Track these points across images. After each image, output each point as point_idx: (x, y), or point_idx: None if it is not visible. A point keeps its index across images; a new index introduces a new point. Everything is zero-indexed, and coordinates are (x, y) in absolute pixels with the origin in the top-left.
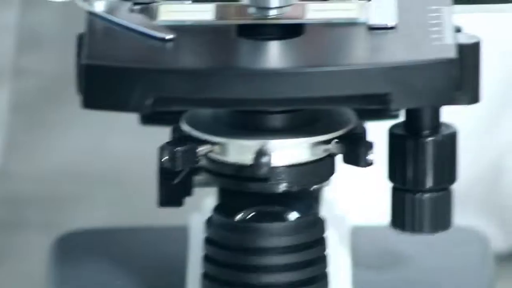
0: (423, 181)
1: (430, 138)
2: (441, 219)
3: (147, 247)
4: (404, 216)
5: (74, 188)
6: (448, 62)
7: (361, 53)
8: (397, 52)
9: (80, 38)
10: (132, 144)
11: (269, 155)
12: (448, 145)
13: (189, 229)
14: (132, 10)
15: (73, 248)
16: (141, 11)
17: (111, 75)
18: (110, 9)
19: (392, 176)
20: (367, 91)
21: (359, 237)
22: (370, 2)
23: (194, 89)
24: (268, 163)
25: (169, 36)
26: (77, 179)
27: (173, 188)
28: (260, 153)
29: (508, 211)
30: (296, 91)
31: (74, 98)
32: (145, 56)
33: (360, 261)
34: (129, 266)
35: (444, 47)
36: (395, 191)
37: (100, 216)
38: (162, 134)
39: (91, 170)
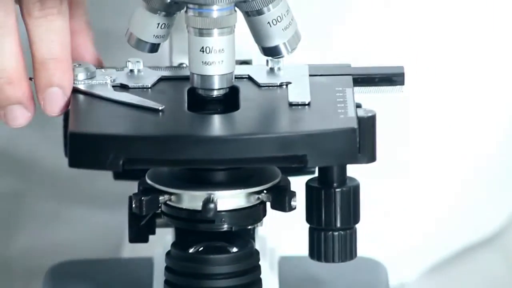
0: (333, 222)
1: (338, 189)
2: (348, 251)
3: (124, 273)
4: (319, 248)
5: None
6: (351, 131)
7: (284, 124)
8: (311, 123)
9: (66, 113)
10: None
11: (214, 202)
12: (352, 194)
13: (154, 260)
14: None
15: (63, 276)
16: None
17: (90, 141)
18: (91, 85)
19: (310, 218)
20: (289, 153)
21: (285, 265)
22: (290, 84)
23: (156, 152)
24: (214, 209)
25: (161, 107)
26: None
27: (141, 229)
28: (207, 201)
29: None
30: (235, 153)
31: None
32: (117, 125)
33: (286, 284)
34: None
35: (347, 119)
36: (312, 230)
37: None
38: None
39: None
